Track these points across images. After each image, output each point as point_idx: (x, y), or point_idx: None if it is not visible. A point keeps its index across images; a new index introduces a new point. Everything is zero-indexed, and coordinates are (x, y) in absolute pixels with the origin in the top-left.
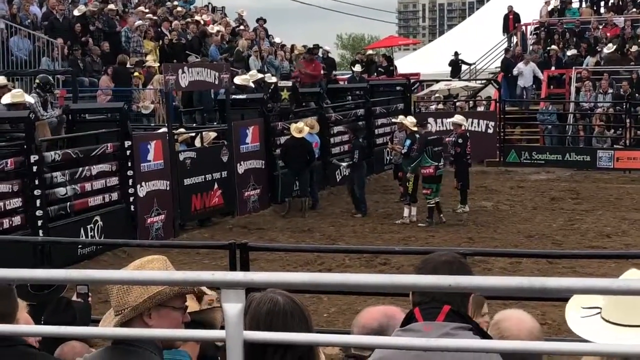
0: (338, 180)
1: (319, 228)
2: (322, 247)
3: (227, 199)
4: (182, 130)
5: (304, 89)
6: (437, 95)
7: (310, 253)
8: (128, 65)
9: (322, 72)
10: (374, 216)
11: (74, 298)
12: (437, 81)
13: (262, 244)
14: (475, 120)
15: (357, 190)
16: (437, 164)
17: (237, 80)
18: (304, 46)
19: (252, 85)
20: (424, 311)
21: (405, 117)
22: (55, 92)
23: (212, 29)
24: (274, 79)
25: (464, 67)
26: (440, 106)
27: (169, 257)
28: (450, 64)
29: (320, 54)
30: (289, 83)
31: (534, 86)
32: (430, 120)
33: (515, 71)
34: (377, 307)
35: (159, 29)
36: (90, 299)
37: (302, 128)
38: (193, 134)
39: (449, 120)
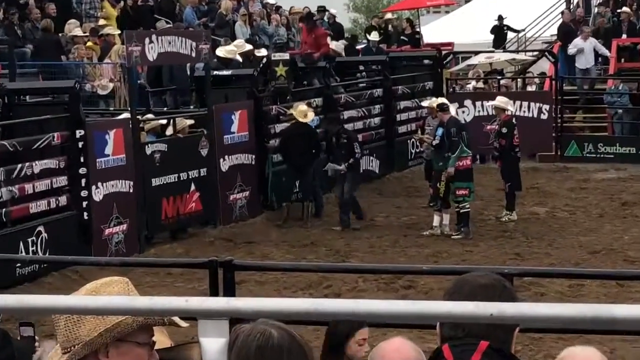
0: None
1: (324, 241)
2: (328, 266)
3: (207, 204)
4: (149, 116)
5: (306, 63)
6: (475, 70)
7: (313, 273)
8: (77, 34)
9: (328, 42)
10: (395, 226)
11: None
12: (476, 53)
13: (252, 261)
14: (525, 103)
15: (347, 193)
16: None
17: (220, 51)
18: (307, 8)
19: (239, 58)
20: (455, 348)
21: (437, 98)
22: None
23: None
24: (264, 52)
25: (510, 34)
26: (480, 85)
27: (132, 278)
28: (492, 31)
29: (325, 18)
30: (286, 56)
31: (597, 66)
32: (467, 102)
33: (571, 49)
34: (397, 340)
35: None
36: (37, 344)
37: (307, 112)
38: (164, 121)
39: (490, 103)
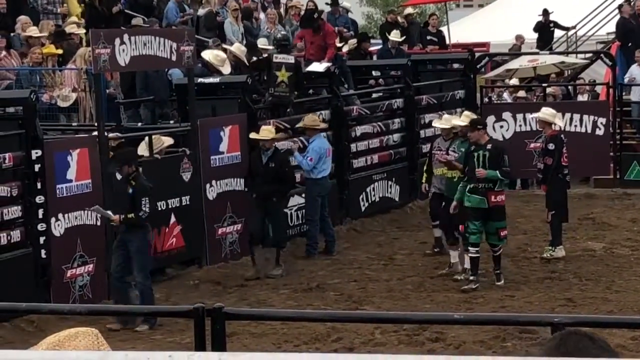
0: (363, 209)
1: (333, 284)
2: (338, 314)
3: (191, 239)
4: (116, 134)
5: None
6: (515, 76)
7: (320, 323)
8: (33, 34)
9: (336, 42)
10: (419, 266)
11: None
12: (517, 55)
13: (246, 308)
14: (577, 116)
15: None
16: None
17: (208, 55)
18: (312, 2)
19: (228, 69)
20: None
21: (457, 115)
22: None
23: None
24: (265, 44)
25: (557, 32)
26: (521, 94)
27: (101, 329)
28: (536, 29)
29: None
30: (290, 59)
31: None
32: (506, 115)
33: (627, 77)
34: None
35: None
36: None
37: (272, 130)
38: (140, 139)
39: (534, 115)
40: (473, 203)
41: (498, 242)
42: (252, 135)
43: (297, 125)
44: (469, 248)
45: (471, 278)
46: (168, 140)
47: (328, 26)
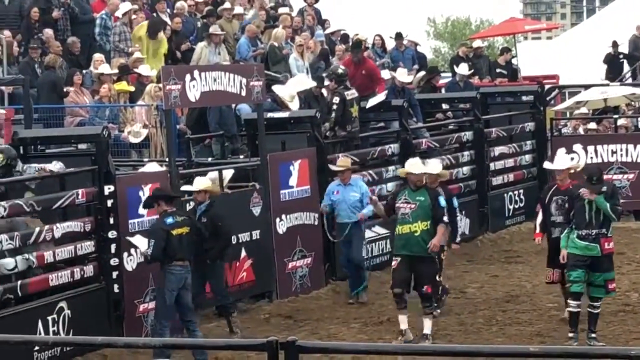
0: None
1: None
2: (410, 347)
3: (261, 273)
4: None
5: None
6: (584, 108)
7: (391, 356)
8: (106, 71)
9: (383, 76)
10: (491, 299)
11: None
12: (587, 87)
13: (318, 342)
14: None
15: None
16: None
17: (279, 90)
18: (379, 36)
19: (296, 99)
20: None
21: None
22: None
23: (232, 9)
24: (341, 69)
25: (627, 64)
26: (592, 125)
27: None
28: (606, 60)
29: (405, 43)
30: (356, 94)
31: None
32: (577, 147)
33: None
34: None
35: (155, 14)
36: None
37: (205, 182)
38: (213, 174)
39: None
40: (580, 250)
41: (605, 295)
42: (333, 167)
43: (333, 168)
44: (569, 301)
45: (570, 335)
46: (229, 173)
47: (369, 61)
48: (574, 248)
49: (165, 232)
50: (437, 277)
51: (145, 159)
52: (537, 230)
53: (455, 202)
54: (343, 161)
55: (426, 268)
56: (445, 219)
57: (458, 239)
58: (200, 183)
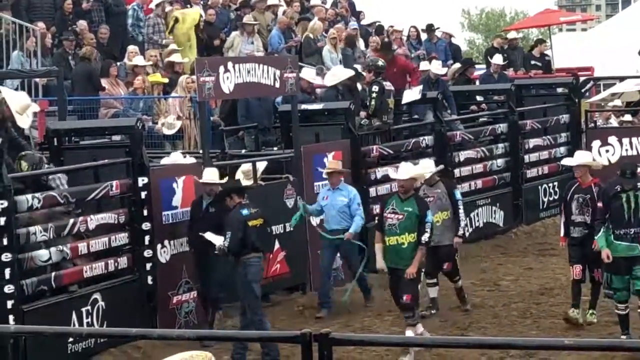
0: (467, 234)
1: (438, 310)
2: (443, 340)
3: (295, 265)
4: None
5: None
6: (620, 100)
7: (425, 349)
8: (140, 63)
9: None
10: (525, 292)
11: None
12: (622, 79)
13: (352, 334)
14: None
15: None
16: None
17: (310, 75)
18: (414, 27)
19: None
20: None
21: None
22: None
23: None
24: (381, 62)
25: None
26: (628, 117)
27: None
28: None
29: (438, 35)
30: (391, 86)
31: None
32: (612, 140)
33: None
34: None
35: (188, 5)
36: None
37: (213, 173)
38: (247, 166)
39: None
40: (620, 252)
41: None
42: (322, 170)
43: (324, 172)
44: (617, 305)
45: (623, 337)
46: (262, 165)
47: (400, 59)
48: (614, 251)
49: (242, 224)
50: (417, 288)
51: (179, 151)
52: (562, 234)
53: (458, 195)
54: (332, 163)
55: (408, 278)
56: (424, 238)
57: (461, 231)
58: (211, 175)
